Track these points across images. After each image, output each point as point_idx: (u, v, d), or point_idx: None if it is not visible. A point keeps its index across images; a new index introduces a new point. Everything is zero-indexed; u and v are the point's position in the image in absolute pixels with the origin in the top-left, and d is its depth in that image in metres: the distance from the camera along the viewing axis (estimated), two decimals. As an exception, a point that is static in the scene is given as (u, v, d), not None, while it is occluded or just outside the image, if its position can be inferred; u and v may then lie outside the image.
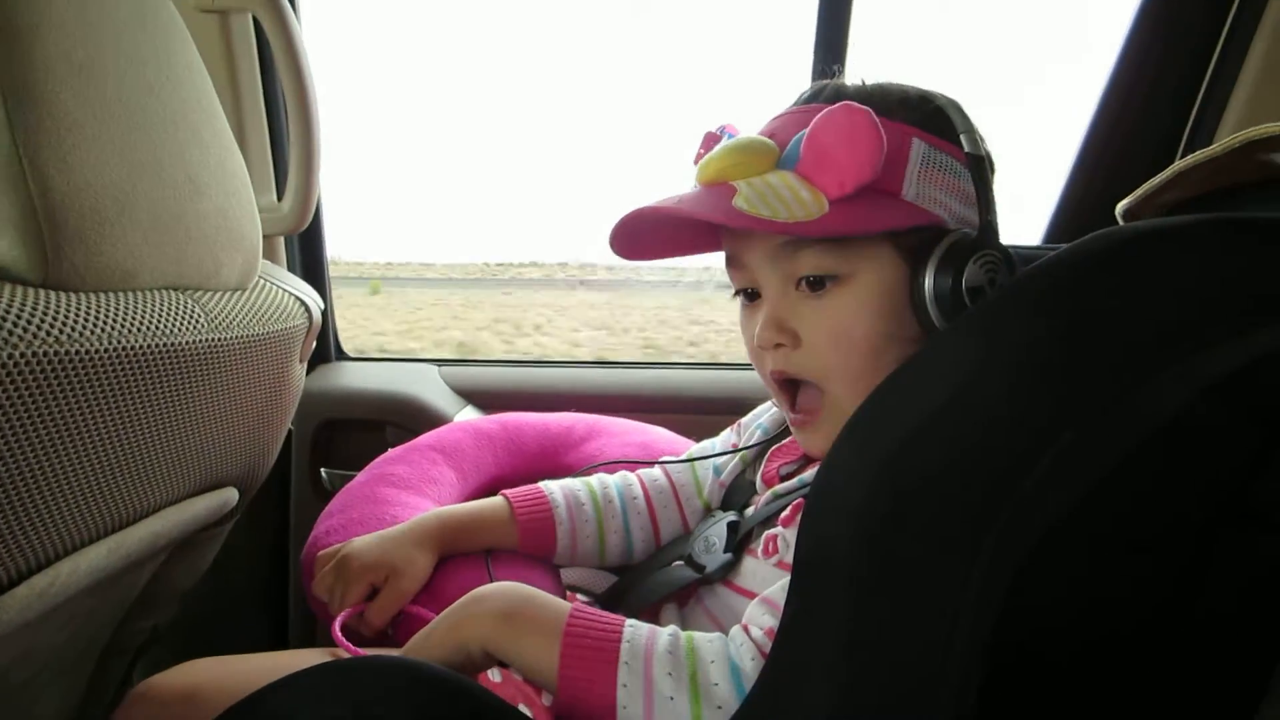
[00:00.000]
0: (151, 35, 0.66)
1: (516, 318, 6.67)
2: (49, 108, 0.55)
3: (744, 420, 0.89)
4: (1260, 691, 0.57)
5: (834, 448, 0.52)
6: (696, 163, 0.69)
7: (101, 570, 0.68)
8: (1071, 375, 0.43)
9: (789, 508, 0.67)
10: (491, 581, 0.77)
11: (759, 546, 0.69)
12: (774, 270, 0.67)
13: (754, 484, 0.79)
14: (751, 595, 0.64)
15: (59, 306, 0.56)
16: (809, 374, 0.67)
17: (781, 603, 0.53)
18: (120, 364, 0.61)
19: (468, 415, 1.43)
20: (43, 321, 0.54)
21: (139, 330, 0.62)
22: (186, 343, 0.68)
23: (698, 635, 0.59)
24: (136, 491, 0.69)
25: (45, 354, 0.53)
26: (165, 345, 0.65)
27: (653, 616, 0.74)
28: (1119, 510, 0.52)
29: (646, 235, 0.71)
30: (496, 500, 0.87)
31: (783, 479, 0.74)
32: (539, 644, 0.59)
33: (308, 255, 1.47)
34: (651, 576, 0.79)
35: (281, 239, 1.38)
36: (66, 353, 0.55)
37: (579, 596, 0.89)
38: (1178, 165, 0.61)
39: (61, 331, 0.55)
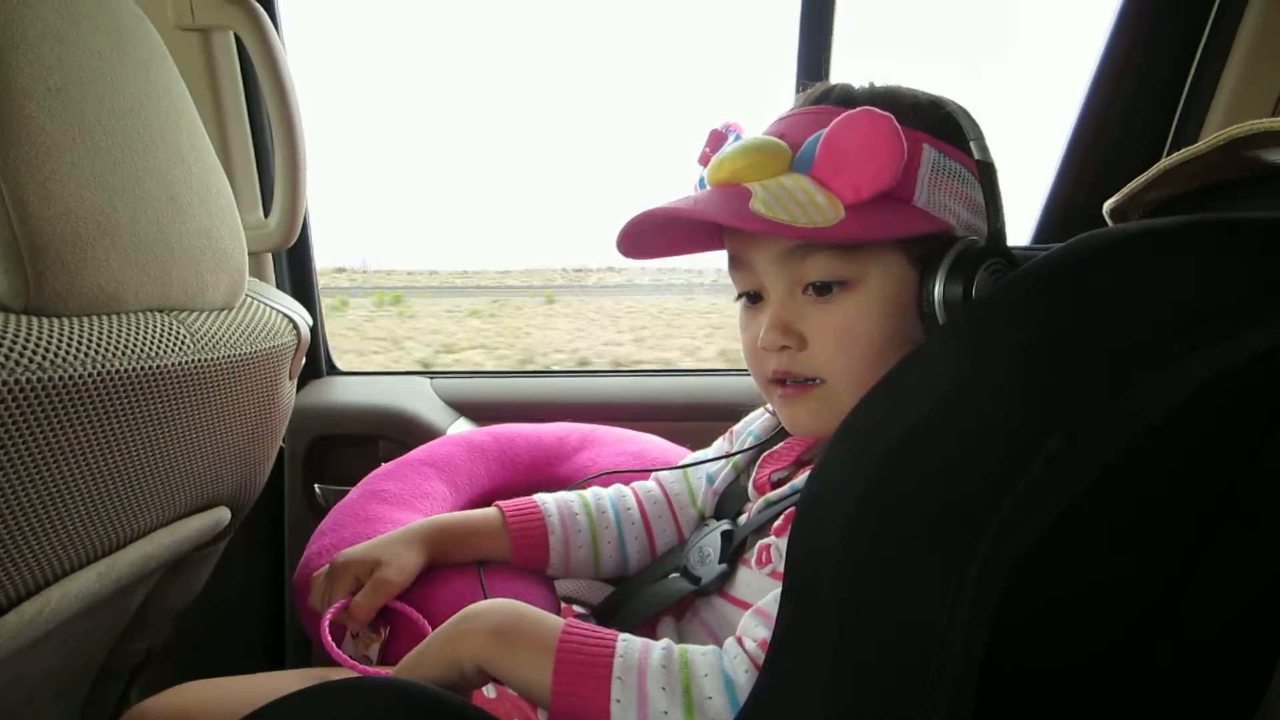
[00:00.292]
0: (130, 57, 0.66)
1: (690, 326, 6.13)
2: (26, 133, 0.54)
3: (736, 428, 0.89)
4: (1260, 691, 0.56)
5: (824, 457, 0.52)
6: (702, 163, 0.69)
7: (93, 595, 0.67)
8: (1060, 378, 0.43)
9: (781, 516, 0.67)
10: (485, 594, 0.77)
11: (753, 556, 0.69)
12: (781, 274, 0.66)
13: (746, 491, 0.78)
14: (746, 606, 0.63)
15: (42, 333, 0.55)
16: (813, 373, 0.66)
17: (774, 614, 0.53)
18: (106, 388, 0.60)
19: (460, 427, 1.43)
20: (25, 348, 0.53)
21: (124, 353, 0.62)
22: (173, 364, 0.67)
23: (691, 648, 0.59)
24: (126, 515, 0.69)
25: (29, 381, 0.53)
26: (151, 368, 0.65)
27: (649, 630, 0.73)
28: (1108, 512, 0.51)
29: (649, 235, 0.70)
30: (490, 510, 0.87)
31: (774, 485, 0.74)
32: (533, 660, 0.59)
33: (296, 271, 1.46)
34: (647, 589, 0.78)
35: (270, 256, 1.38)
36: (51, 379, 0.55)
37: (575, 608, 0.89)
38: (1164, 163, 0.61)
39: (45, 358, 0.55)
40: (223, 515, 0.87)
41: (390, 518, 0.92)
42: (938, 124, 0.64)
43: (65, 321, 0.58)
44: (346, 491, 1.01)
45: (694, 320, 6.20)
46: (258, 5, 1.08)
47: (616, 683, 0.56)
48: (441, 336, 5.67)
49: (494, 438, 1.12)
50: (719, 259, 0.74)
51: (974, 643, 0.41)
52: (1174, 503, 0.54)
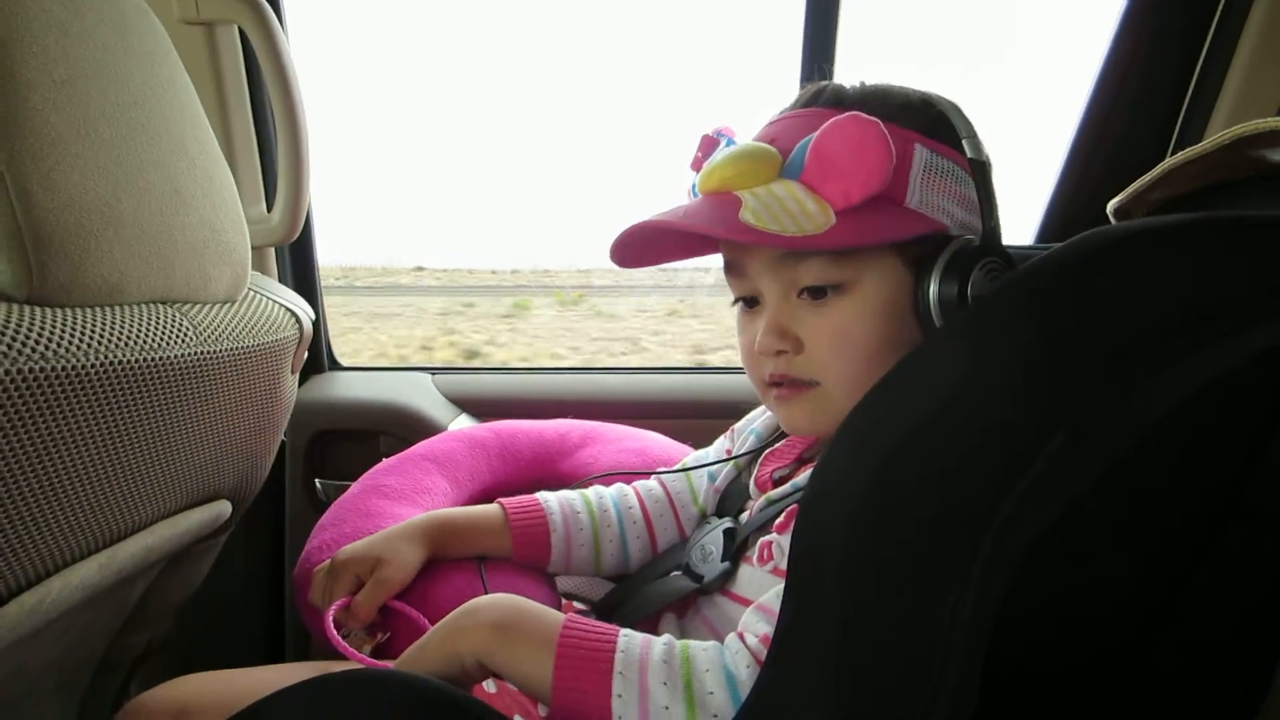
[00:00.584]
0: (134, 49, 0.66)
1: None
2: (31, 125, 0.54)
3: (737, 426, 0.88)
4: (1263, 690, 0.56)
5: (826, 455, 0.52)
6: (694, 168, 0.69)
7: (93, 586, 0.67)
8: (1064, 376, 0.43)
9: (783, 514, 0.67)
10: (485, 590, 0.77)
11: (754, 554, 0.69)
12: (775, 279, 0.66)
13: (748, 489, 0.78)
14: (748, 603, 0.63)
15: (45, 323, 0.55)
16: (810, 377, 0.66)
17: (776, 609, 0.53)
18: (108, 379, 0.60)
19: (462, 423, 1.43)
20: (28, 338, 0.53)
21: (126, 345, 0.62)
22: (175, 356, 0.67)
23: (693, 644, 0.59)
24: (127, 506, 0.69)
25: (32, 371, 0.53)
26: (153, 359, 0.65)
27: (651, 628, 0.73)
28: (1111, 510, 0.51)
29: (643, 243, 0.70)
30: (491, 507, 0.87)
31: (776, 483, 0.74)
32: (533, 655, 0.59)
33: (299, 266, 1.46)
34: (649, 586, 0.78)
35: (272, 250, 1.38)
36: (53, 369, 0.55)
37: (575, 604, 0.89)
38: (1168, 163, 0.61)
39: (48, 348, 0.55)
40: (224, 508, 0.87)
41: (391, 513, 0.92)
42: (930, 122, 0.64)
43: (68, 312, 0.58)
44: (347, 486, 1.01)
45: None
46: (262, -1, 1.08)
47: (618, 678, 0.56)
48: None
49: (495, 434, 1.12)
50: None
51: (976, 642, 0.41)
52: (1177, 501, 0.54)
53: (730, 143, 0.68)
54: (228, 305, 0.79)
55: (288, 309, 0.89)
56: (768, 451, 0.79)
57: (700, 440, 0.96)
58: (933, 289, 0.61)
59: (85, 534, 0.65)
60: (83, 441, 0.60)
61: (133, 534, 0.72)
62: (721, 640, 0.61)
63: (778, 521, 0.67)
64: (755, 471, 0.78)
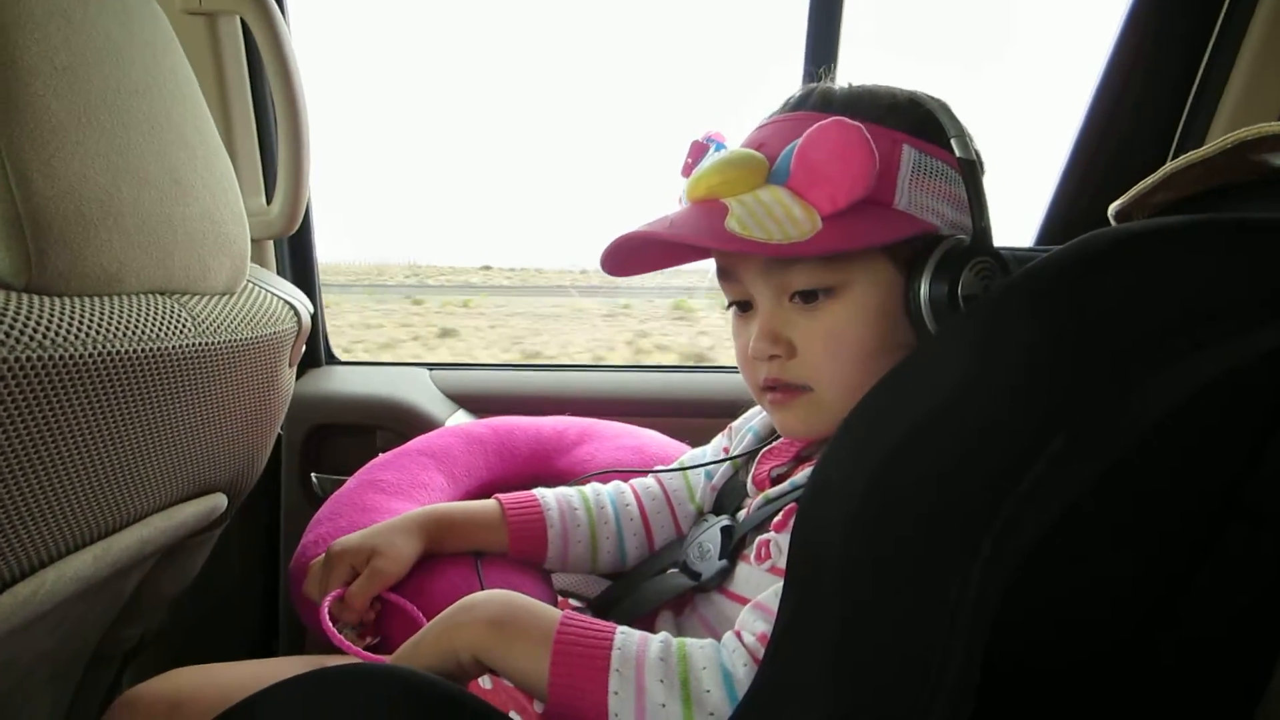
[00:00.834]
0: (136, 38, 0.66)
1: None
2: (32, 111, 0.54)
3: (735, 424, 0.88)
4: (1258, 691, 0.56)
5: (825, 454, 0.52)
6: (685, 174, 0.69)
7: (88, 578, 0.67)
8: (1065, 377, 0.43)
9: (781, 512, 0.67)
10: (482, 587, 0.77)
11: (752, 552, 0.69)
12: (767, 284, 0.66)
13: (745, 486, 0.78)
14: (745, 602, 0.63)
15: (43, 311, 0.55)
16: (803, 381, 0.66)
17: (774, 608, 0.53)
18: (105, 369, 0.60)
19: (459, 419, 1.42)
20: (25, 326, 0.53)
21: (124, 335, 0.62)
22: (173, 347, 0.67)
23: (690, 641, 0.59)
24: (123, 498, 0.69)
25: (29, 359, 0.53)
26: (151, 350, 0.65)
27: (648, 625, 0.73)
28: (1111, 510, 0.51)
29: (631, 251, 0.70)
30: (488, 502, 0.86)
31: (773, 481, 0.74)
32: (530, 652, 0.59)
33: (298, 259, 1.46)
34: (646, 584, 0.78)
35: (271, 243, 1.38)
36: (51, 358, 0.55)
37: (571, 601, 0.89)
38: (1170, 166, 0.61)
39: (45, 336, 0.54)
40: (219, 501, 0.87)
41: (387, 508, 0.92)
42: (918, 122, 0.64)
43: (66, 301, 0.58)
44: (343, 481, 1.01)
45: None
46: (265, -10, 1.07)
47: (614, 675, 0.56)
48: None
49: (493, 430, 1.12)
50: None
51: (975, 642, 0.41)
52: (1177, 501, 0.54)
53: (720, 148, 0.68)
54: (226, 297, 0.78)
55: (286, 302, 0.88)
56: (765, 449, 0.79)
57: (698, 439, 0.96)
58: (923, 290, 0.61)
59: (80, 525, 0.65)
60: (79, 432, 0.60)
61: (128, 526, 0.71)
62: (718, 638, 0.60)
63: (776, 520, 0.67)
64: (753, 469, 0.78)
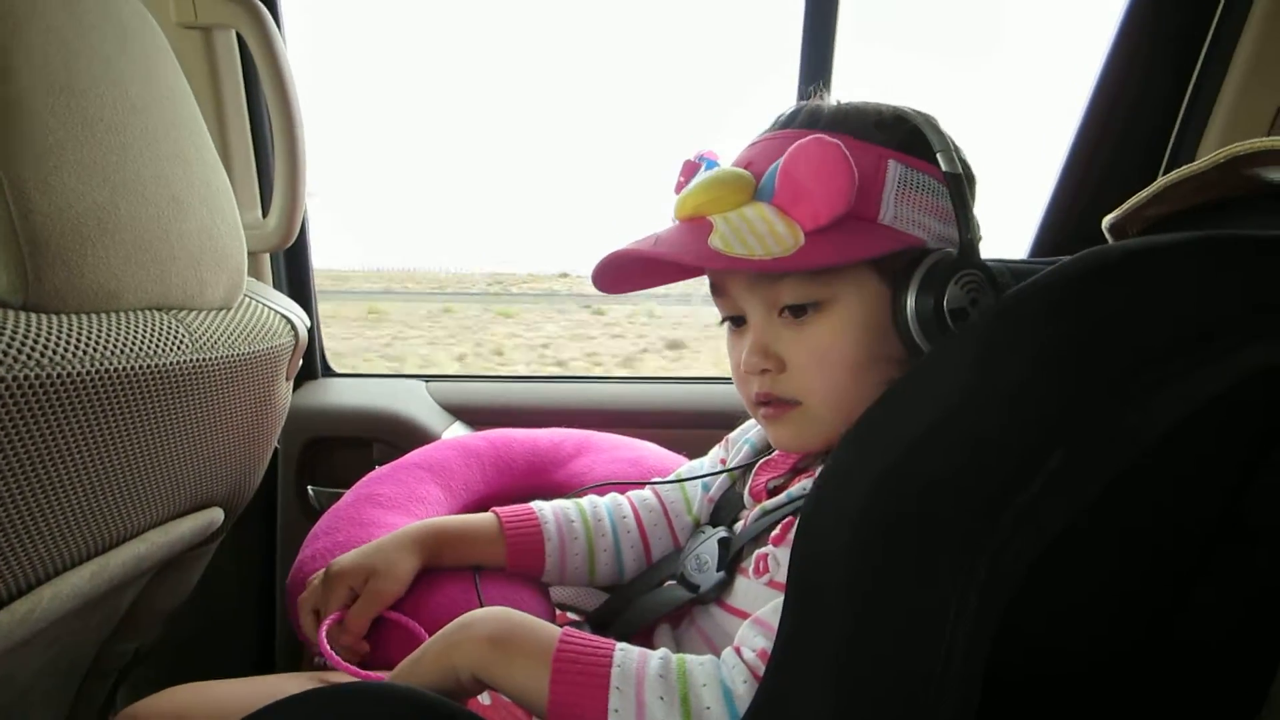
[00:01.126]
0: (133, 54, 0.66)
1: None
2: (29, 129, 0.54)
3: (732, 436, 0.89)
4: (1260, 699, 0.57)
5: (825, 469, 0.52)
6: (677, 192, 0.69)
7: (84, 594, 0.67)
8: (1063, 395, 0.43)
9: (779, 526, 0.67)
10: (480, 602, 0.77)
11: (750, 566, 0.69)
12: (756, 298, 0.67)
13: (742, 498, 0.78)
14: (744, 615, 0.63)
15: (41, 329, 0.55)
16: (794, 395, 0.67)
17: (774, 623, 0.53)
18: (103, 386, 0.60)
19: (456, 432, 1.42)
20: (24, 344, 0.53)
21: (122, 352, 0.62)
22: (171, 363, 0.67)
23: (689, 658, 0.59)
24: (120, 514, 0.68)
25: (27, 377, 0.53)
26: (149, 366, 0.65)
27: (646, 639, 0.73)
28: (1110, 526, 0.52)
29: (621, 269, 0.71)
30: (486, 516, 0.86)
31: (770, 493, 0.74)
32: (529, 669, 0.59)
33: (294, 272, 1.46)
34: (644, 597, 0.78)
35: (267, 256, 1.38)
36: (49, 376, 0.55)
37: (569, 615, 0.89)
38: (1164, 180, 0.62)
39: (43, 354, 0.54)
40: (216, 516, 0.86)
41: (385, 522, 0.92)
42: (905, 138, 0.65)
43: (64, 318, 0.58)
44: (340, 494, 1.01)
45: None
46: (260, 4, 1.07)
47: (614, 692, 0.56)
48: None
49: (490, 442, 1.12)
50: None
51: (975, 656, 0.41)
52: (1174, 516, 0.54)
53: (711, 165, 0.69)
54: (224, 312, 0.78)
55: (283, 316, 0.88)
56: (762, 461, 0.79)
57: (695, 450, 0.96)
58: (910, 304, 0.61)
59: (77, 542, 0.64)
60: (77, 449, 0.60)
61: (125, 542, 0.71)
62: (717, 652, 0.60)
63: (774, 534, 0.67)
64: (750, 481, 0.79)
